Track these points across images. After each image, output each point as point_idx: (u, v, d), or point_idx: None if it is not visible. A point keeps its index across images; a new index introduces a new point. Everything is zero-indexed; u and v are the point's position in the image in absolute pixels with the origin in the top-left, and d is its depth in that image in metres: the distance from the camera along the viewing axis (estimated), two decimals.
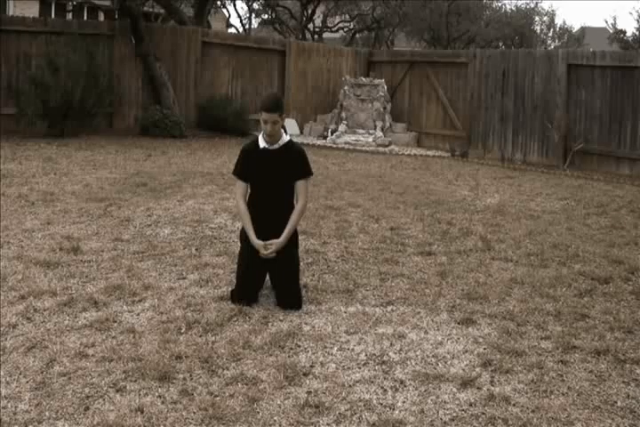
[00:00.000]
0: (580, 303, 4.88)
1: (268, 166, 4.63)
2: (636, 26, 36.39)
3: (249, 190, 4.73)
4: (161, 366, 3.60)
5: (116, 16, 16.70)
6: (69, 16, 21.54)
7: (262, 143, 4.65)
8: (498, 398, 3.42)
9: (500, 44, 28.64)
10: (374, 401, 3.37)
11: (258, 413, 3.22)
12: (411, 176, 10.72)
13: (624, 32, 25.63)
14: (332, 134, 15.34)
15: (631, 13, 58.17)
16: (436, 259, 5.91)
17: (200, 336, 4.06)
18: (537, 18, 30.91)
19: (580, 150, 12.74)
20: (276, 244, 4.53)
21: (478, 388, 3.54)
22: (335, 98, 16.53)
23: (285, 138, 4.68)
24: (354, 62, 17.53)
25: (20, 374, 3.53)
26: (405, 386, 3.54)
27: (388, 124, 15.70)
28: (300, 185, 4.65)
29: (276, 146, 4.63)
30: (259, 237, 4.55)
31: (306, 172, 4.68)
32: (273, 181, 4.64)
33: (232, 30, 30.17)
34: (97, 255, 5.58)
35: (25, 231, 6.18)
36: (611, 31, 26.49)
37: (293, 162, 4.64)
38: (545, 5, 64.12)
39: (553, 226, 7.39)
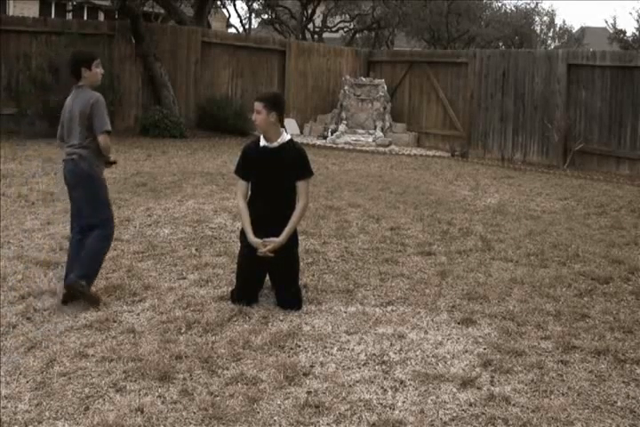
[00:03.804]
0: (580, 303, 4.88)
1: (268, 165, 4.63)
2: (636, 26, 36.35)
3: (250, 190, 4.74)
4: (161, 366, 3.60)
5: (116, 16, 16.70)
6: (69, 16, 21.49)
7: (262, 142, 4.67)
8: (498, 398, 3.42)
9: (500, 44, 28.60)
10: (374, 401, 3.37)
11: (258, 413, 3.22)
12: (411, 176, 10.72)
13: (624, 32, 25.60)
14: (332, 134, 15.33)
15: (631, 13, 58.13)
16: (436, 259, 5.91)
17: (200, 336, 4.06)
18: (537, 18, 30.90)
19: (580, 150, 12.74)
20: (274, 243, 4.53)
21: (478, 388, 3.54)
22: (335, 98, 16.53)
23: (286, 137, 4.68)
24: (354, 62, 17.52)
25: (20, 374, 3.53)
26: (405, 386, 3.54)
27: (388, 124, 15.69)
28: (300, 185, 4.65)
29: (275, 144, 4.63)
30: (259, 237, 4.55)
31: (306, 172, 4.68)
32: (273, 179, 4.64)
33: (232, 30, 30.14)
34: None
35: (25, 231, 6.18)
36: (611, 31, 26.46)
37: (293, 161, 4.64)
38: (545, 5, 64.06)
39: (553, 226, 7.39)
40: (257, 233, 4.56)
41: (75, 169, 4.56)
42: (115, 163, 4.89)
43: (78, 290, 4.43)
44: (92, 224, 4.59)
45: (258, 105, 4.57)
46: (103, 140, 4.51)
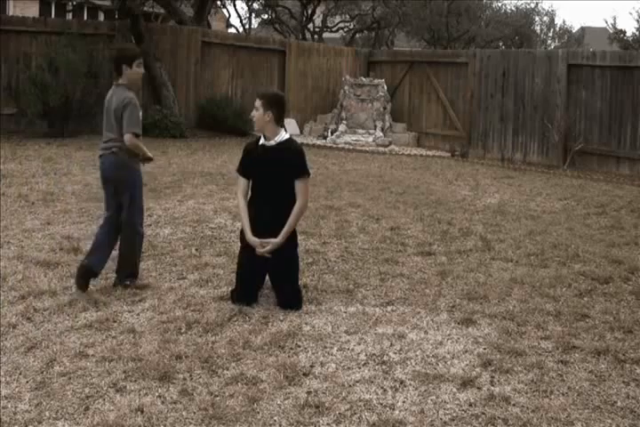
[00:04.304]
0: (580, 303, 4.88)
1: (266, 163, 4.63)
2: (636, 26, 36.34)
3: (251, 189, 4.74)
4: (161, 366, 3.60)
5: (116, 16, 16.69)
6: (69, 16, 21.48)
7: (262, 140, 4.68)
8: (498, 398, 3.42)
9: (500, 44, 28.57)
10: (374, 401, 3.37)
11: (258, 413, 3.22)
12: (411, 176, 10.72)
13: (624, 32, 25.57)
14: (332, 134, 15.33)
15: (631, 13, 58.11)
16: (435, 259, 5.91)
17: (200, 336, 4.06)
18: (537, 18, 30.87)
19: (580, 150, 12.73)
20: (272, 243, 4.52)
21: (478, 388, 3.54)
22: (335, 98, 16.52)
23: (284, 136, 4.67)
24: (354, 62, 17.52)
25: (20, 374, 3.53)
26: (405, 386, 3.54)
27: (388, 124, 15.69)
28: (297, 185, 4.63)
29: (272, 143, 4.63)
30: (258, 236, 4.55)
31: (302, 172, 4.65)
32: (271, 178, 4.63)
33: (232, 30, 30.13)
34: None
35: (25, 231, 6.18)
36: (611, 31, 26.44)
37: (290, 160, 4.62)
38: (545, 5, 64.01)
39: (553, 226, 7.39)
40: (256, 232, 4.56)
41: (115, 161, 4.83)
42: (151, 159, 5.05)
43: (127, 288, 4.81)
44: (125, 219, 4.88)
45: (257, 102, 4.61)
46: (128, 139, 4.74)
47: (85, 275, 4.73)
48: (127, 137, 4.74)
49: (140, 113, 4.90)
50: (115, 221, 4.91)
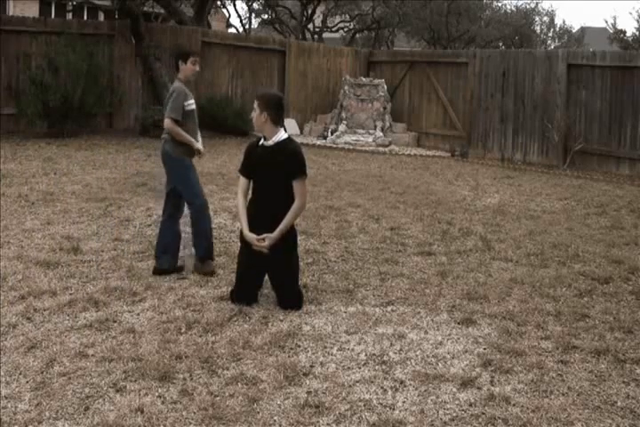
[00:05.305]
0: (580, 303, 4.88)
1: (264, 163, 4.63)
2: (636, 26, 36.34)
3: (252, 189, 4.75)
4: (161, 366, 3.60)
5: (116, 16, 16.70)
6: (69, 16, 21.47)
7: (262, 140, 4.69)
8: (498, 398, 3.42)
9: (500, 44, 28.57)
10: (374, 401, 3.37)
11: (258, 413, 3.22)
12: (411, 176, 10.72)
13: (624, 32, 25.55)
14: (332, 134, 15.33)
15: (631, 13, 58.07)
16: (435, 259, 5.91)
17: (200, 336, 4.06)
18: (537, 18, 30.85)
19: (580, 150, 12.73)
20: (269, 238, 4.50)
21: (478, 388, 3.54)
22: (335, 98, 16.53)
23: (282, 136, 4.65)
24: (354, 62, 17.52)
25: (20, 374, 3.53)
26: (405, 386, 3.54)
27: (388, 124, 15.69)
28: (295, 185, 4.61)
29: (270, 142, 4.63)
30: (257, 235, 4.54)
31: (298, 172, 4.61)
32: (269, 178, 4.63)
33: (232, 30, 30.12)
34: (97, 255, 5.58)
35: (25, 231, 6.18)
36: (611, 31, 26.42)
37: (287, 161, 4.60)
38: (545, 5, 63.98)
39: (553, 226, 7.39)
40: (256, 232, 4.55)
41: (162, 150, 5.32)
42: (199, 152, 5.42)
43: (205, 272, 5.18)
44: (186, 201, 5.33)
45: (254, 102, 4.66)
46: (165, 123, 5.18)
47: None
48: (165, 122, 5.14)
49: (189, 101, 5.18)
50: (173, 211, 5.32)
